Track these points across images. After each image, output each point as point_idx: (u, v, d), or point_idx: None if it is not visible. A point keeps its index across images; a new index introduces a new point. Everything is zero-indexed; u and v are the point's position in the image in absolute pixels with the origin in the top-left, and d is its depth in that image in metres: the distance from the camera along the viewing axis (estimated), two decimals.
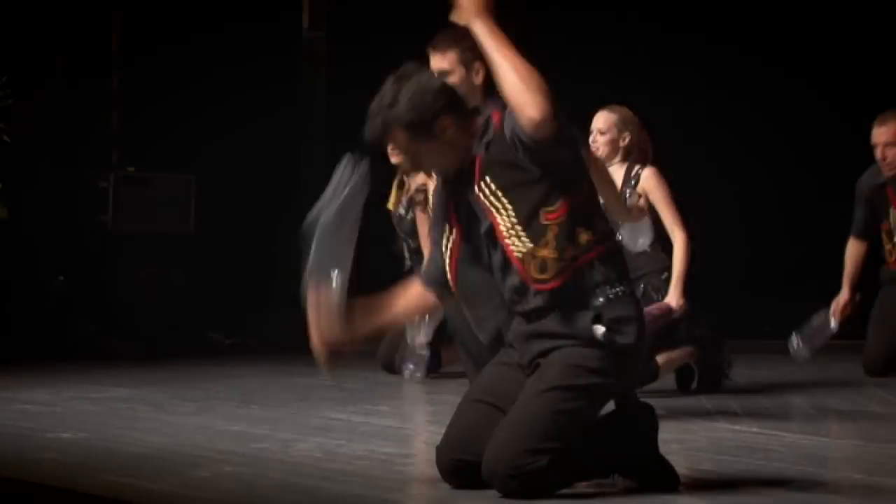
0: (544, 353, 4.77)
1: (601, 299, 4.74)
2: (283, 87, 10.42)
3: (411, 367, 7.98)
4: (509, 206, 4.70)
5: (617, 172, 7.44)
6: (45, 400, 7.25)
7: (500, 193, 4.71)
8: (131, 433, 6.26)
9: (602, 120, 7.41)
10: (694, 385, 7.69)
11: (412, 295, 5.07)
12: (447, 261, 4.91)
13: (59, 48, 9.65)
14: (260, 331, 9.60)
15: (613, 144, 7.38)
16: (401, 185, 8.55)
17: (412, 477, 5.16)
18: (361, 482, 5.11)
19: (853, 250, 8.69)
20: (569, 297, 4.75)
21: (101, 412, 6.91)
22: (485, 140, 4.74)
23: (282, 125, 10.39)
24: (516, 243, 4.74)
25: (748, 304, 10.61)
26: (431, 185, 7.23)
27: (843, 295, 8.51)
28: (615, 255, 4.86)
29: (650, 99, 10.96)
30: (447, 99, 4.78)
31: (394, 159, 6.86)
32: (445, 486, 4.83)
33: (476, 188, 4.74)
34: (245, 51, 10.03)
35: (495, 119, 4.75)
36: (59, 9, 9.67)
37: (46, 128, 9.48)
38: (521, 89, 4.51)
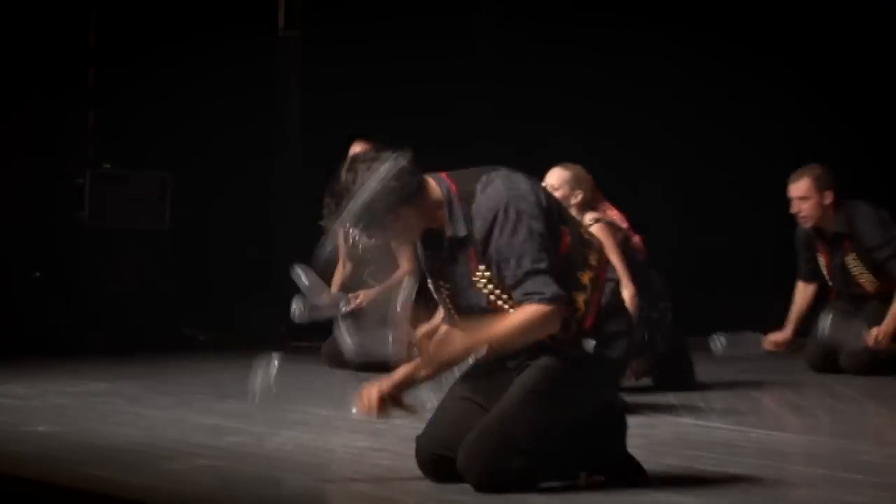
0: (533, 357, 4.81)
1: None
2: (259, 85, 10.41)
3: None
4: (505, 295, 4.77)
5: None
6: (21, 393, 7.25)
7: (497, 285, 4.77)
8: (107, 426, 6.29)
9: (555, 177, 7.43)
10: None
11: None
12: (450, 308, 4.94)
13: (37, 45, 9.63)
14: (232, 325, 9.61)
15: (565, 201, 7.31)
16: None
17: (386, 469, 5.19)
18: (338, 472, 5.15)
19: (800, 293, 8.82)
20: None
21: (77, 406, 6.93)
22: (457, 218, 4.79)
23: (257, 122, 10.38)
24: (498, 295, 4.81)
25: (706, 300, 10.46)
26: None
27: (784, 333, 8.63)
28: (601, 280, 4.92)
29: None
30: (396, 197, 4.73)
31: None
32: (424, 480, 4.88)
33: (473, 275, 4.79)
34: (221, 49, 10.02)
35: (455, 193, 4.80)
36: (37, 6, 9.65)
37: (23, 124, 9.48)
38: (529, 336, 4.72)
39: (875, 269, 8.37)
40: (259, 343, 8.57)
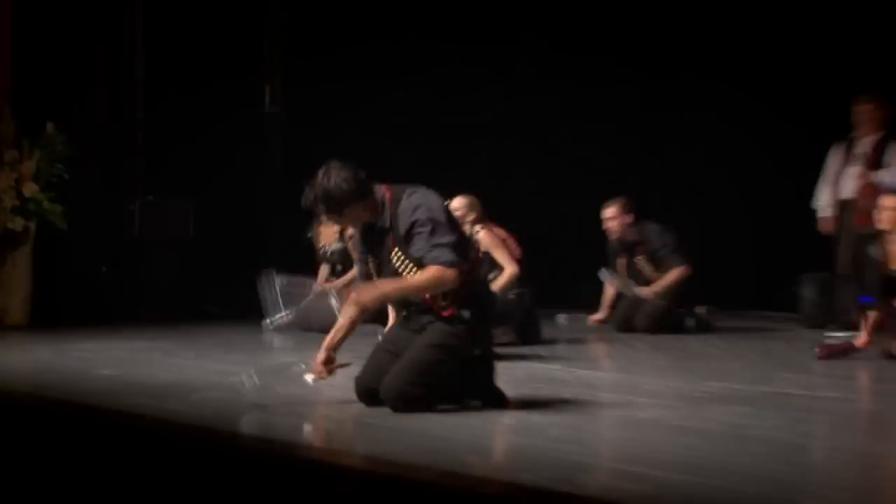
0: (430, 323, 4.88)
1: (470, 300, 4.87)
2: (252, 146, 10.40)
3: None
4: (413, 267, 4.81)
5: None
6: (92, 348, 7.22)
7: (408, 262, 4.82)
8: (149, 370, 6.29)
9: (457, 202, 7.41)
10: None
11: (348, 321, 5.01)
12: (374, 275, 4.98)
13: (98, 117, 9.65)
14: (236, 303, 9.59)
15: (462, 219, 7.35)
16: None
17: (338, 397, 5.21)
18: (306, 401, 5.18)
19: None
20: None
21: (129, 357, 6.91)
22: (386, 216, 4.84)
23: (251, 171, 10.42)
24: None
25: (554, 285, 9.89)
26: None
27: (601, 313, 8.88)
28: (478, 273, 5.00)
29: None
30: (352, 191, 4.82)
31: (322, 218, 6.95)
32: (359, 404, 4.92)
33: (392, 256, 4.84)
34: (227, 121, 10.02)
35: (388, 198, 4.86)
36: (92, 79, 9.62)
37: (93, 169, 9.44)
38: (433, 288, 4.76)
39: (655, 262, 8.50)
40: (251, 315, 8.66)
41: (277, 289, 7.99)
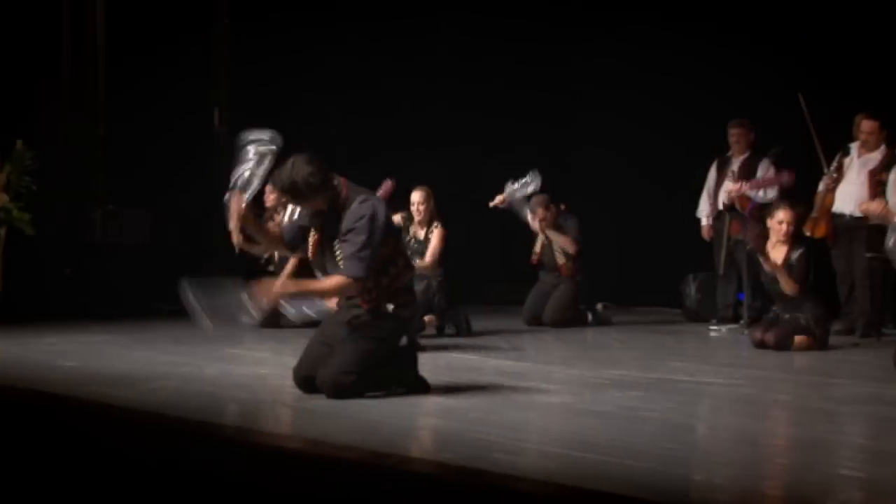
0: (358, 315, 4.82)
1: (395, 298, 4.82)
2: (203, 161, 10.26)
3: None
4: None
5: (422, 229, 7.66)
6: (53, 341, 7.05)
7: (340, 254, 4.77)
8: (107, 362, 6.15)
9: (419, 193, 7.58)
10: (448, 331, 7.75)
11: (276, 234, 5.11)
12: (311, 244, 4.92)
13: (63, 134, 9.50)
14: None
15: (423, 205, 7.58)
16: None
17: (277, 386, 5.16)
18: (249, 389, 5.11)
19: None
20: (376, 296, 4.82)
21: (88, 349, 6.75)
22: (342, 210, 4.77)
23: (203, 183, 10.25)
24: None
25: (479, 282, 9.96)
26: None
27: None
28: (408, 275, 4.95)
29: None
30: (317, 186, 4.75)
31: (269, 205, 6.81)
32: (298, 391, 4.87)
33: (334, 244, 4.79)
34: (180, 137, 9.90)
35: (345, 195, 4.79)
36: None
37: (57, 180, 9.27)
38: (333, 295, 4.82)
39: (567, 255, 8.51)
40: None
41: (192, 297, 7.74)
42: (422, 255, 7.64)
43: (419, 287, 7.58)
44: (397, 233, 5.03)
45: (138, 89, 9.74)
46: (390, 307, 4.82)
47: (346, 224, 4.74)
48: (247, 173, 4.78)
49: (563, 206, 8.61)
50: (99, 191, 9.75)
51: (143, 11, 9.81)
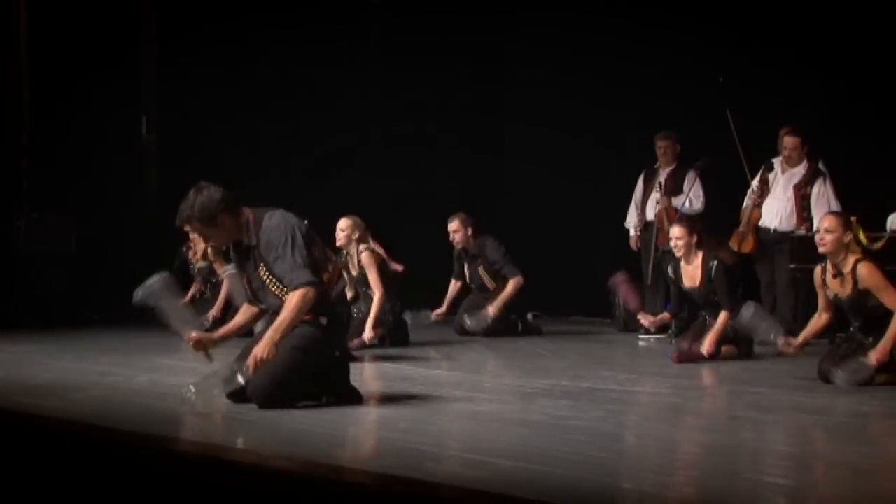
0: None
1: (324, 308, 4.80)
2: (131, 169, 10.16)
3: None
4: (277, 282, 4.74)
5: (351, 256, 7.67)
6: None
7: (273, 277, 4.74)
8: (32, 372, 6.06)
9: (344, 222, 7.52)
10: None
11: (244, 314, 5.04)
12: (246, 288, 4.92)
13: None
14: (114, 310, 9.33)
15: (351, 235, 7.51)
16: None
17: (209, 396, 5.10)
18: (177, 398, 5.05)
19: (452, 287, 8.69)
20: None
21: (14, 359, 6.65)
22: (252, 234, 4.77)
23: (130, 191, 10.17)
24: (277, 286, 4.77)
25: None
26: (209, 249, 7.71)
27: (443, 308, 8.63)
28: (337, 285, 4.94)
29: None
30: (225, 206, 4.74)
31: (192, 235, 6.80)
32: (227, 401, 4.83)
33: (259, 271, 4.77)
34: (107, 144, 9.81)
35: (252, 219, 4.79)
36: None
37: None
38: (303, 311, 4.69)
39: (493, 274, 8.54)
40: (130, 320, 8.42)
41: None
42: (362, 283, 7.59)
43: (368, 303, 7.55)
44: (318, 239, 5.00)
45: (64, 96, 9.61)
46: (324, 320, 4.80)
47: (266, 245, 4.73)
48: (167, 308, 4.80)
49: (470, 232, 8.56)
50: (23, 199, 9.61)
51: (69, 16, 9.68)
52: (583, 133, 9.63)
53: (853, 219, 5.73)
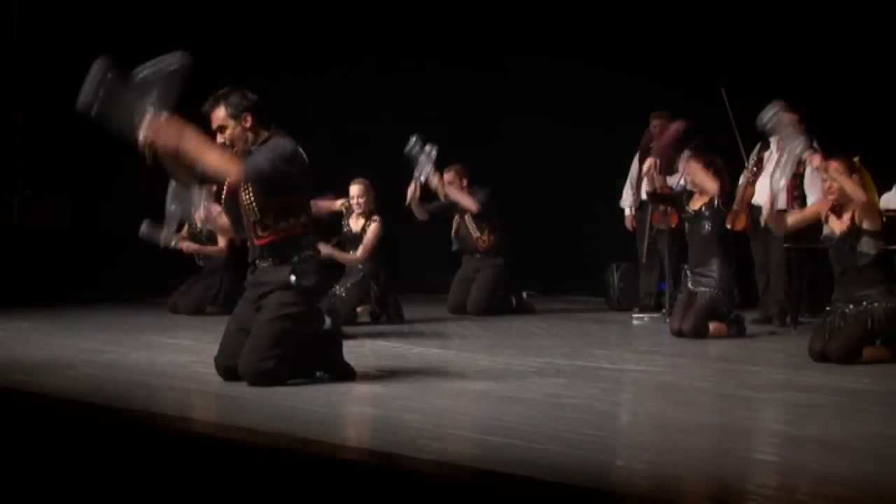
0: (264, 296, 4.80)
1: (295, 258, 4.79)
2: (124, 150, 10.04)
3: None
4: (252, 194, 4.70)
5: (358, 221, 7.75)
6: None
7: (253, 201, 4.74)
8: (26, 349, 6.07)
9: (357, 186, 7.63)
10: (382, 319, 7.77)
11: (217, 156, 4.69)
12: (225, 187, 4.91)
13: None
14: (108, 288, 9.34)
15: (362, 198, 7.65)
16: None
17: (201, 373, 5.11)
18: (171, 376, 5.06)
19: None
20: (276, 252, 4.77)
21: (8, 337, 6.64)
22: (257, 145, 4.75)
23: (123, 169, 10.09)
24: (254, 214, 4.76)
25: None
26: None
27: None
28: (310, 237, 4.88)
29: None
30: (256, 109, 4.75)
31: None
32: (219, 379, 4.83)
33: (246, 187, 4.76)
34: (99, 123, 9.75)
35: (271, 136, 4.77)
36: None
37: None
38: (213, 168, 4.61)
39: (478, 225, 8.52)
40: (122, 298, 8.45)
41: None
42: (356, 246, 7.69)
43: (356, 279, 7.63)
44: (311, 189, 4.97)
45: (57, 73, 9.55)
46: (293, 278, 4.76)
47: (263, 149, 4.71)
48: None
49: (465, 183, 8.58)
50: (16, 176, 9.58)
51: None
52: (576, 113, 9.60)
53: (856, 159, 5.78)
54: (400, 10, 10.69)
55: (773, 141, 8.01)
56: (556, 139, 9.86)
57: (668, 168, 8.49)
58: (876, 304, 5.62)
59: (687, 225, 7.13)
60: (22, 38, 9.57)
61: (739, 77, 8.34)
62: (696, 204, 7.09)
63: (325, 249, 7.23)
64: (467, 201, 8.48)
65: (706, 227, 6.96)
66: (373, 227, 7.65)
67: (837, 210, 5.82)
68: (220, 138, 4.81)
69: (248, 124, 4.74)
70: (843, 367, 5.48)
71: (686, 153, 8.39)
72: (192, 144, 4.53)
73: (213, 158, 4.59)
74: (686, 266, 7.08)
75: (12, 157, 9.61)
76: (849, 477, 3.28)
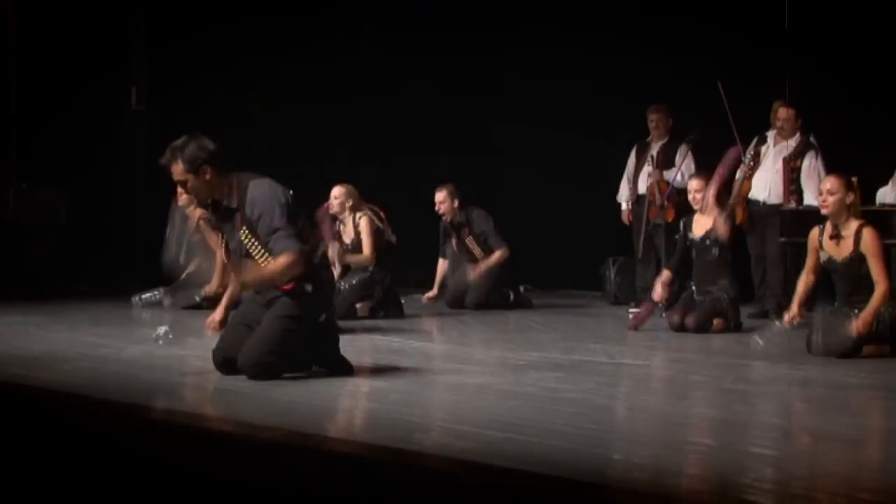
0: (275, 298, 4.79)
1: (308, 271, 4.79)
2: (120, 140, 10.11)
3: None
4: (260, 247, 4.69)
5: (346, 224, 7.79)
6: None
7: (253, 240, 4.71)
8: (23, 343, 6.07)
9: (338, 190, 7.65)
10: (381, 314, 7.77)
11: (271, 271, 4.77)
12: (224, 253, 4.90)
13: None
14: (103, 281, 9.34)
15: (345, 203, 7.65)
16: None
17: (199, 367, 5.11)
18: (169, 370, 5.06)
19: (440, 266, 8.71)
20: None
21: (4, 331, 6.63)
22: (234, 196, 4.71)
23: (120, 163, 10.12)
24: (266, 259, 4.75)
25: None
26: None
27: (434, 291, 8.63)
28: (317, 250, 4.90)
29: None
30: (212, 159, 4.68)
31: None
32: (217, 373, 4.83)
33: (240, 234, 4.72)
34: (97, 116, 9.75)
35: (236, 182, 4.73)
36: None
37: None
38: (287, 274, 4.66)
39: (481, 244, 8.54)
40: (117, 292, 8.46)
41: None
42: (355, 248, 7.67)
43: (362, 277, 7.61)
44: (302, 210, 4.98)
45: (53, 66, 9.55)
46: (308, 288, 4.79)
47: (251, 207, 4.68)
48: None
49: (456, 204, 8.55)
50: (12, 170, 9.57)
51: None
52: (573, 106, 9.59)
53: (854, 180, 5.73)
54: (399, 9, 10.63)
55: (769, 136, 8.02)
56: (552, 134, 9.84)
57: (665, 162, 8.47)
58: (882, 308, 5.58)
59: (693, 250, 7.05)
60: (18, 30, 9.55)
61: (737, 69, 8.33)
62: (699, 230, 6.99)
63: (338, 256, 7.30)
64: (496, 259, 8.40)
65: (713, 252, 6.92)
66: (363, 224, 7.59)
67: (834, 237, 5.69)
68: (180, 191, 4.86)
69: (208, 177, 4.69)
70: (841, 360, 5.48)
71: (683, 147, 8.39)
72: (253, 280, 4.73)
73: (271, 275, 4.68)
74: (692, 282, 7.05)
75: (8, 151, 9.61)
76: (846, 471, 3.28)
